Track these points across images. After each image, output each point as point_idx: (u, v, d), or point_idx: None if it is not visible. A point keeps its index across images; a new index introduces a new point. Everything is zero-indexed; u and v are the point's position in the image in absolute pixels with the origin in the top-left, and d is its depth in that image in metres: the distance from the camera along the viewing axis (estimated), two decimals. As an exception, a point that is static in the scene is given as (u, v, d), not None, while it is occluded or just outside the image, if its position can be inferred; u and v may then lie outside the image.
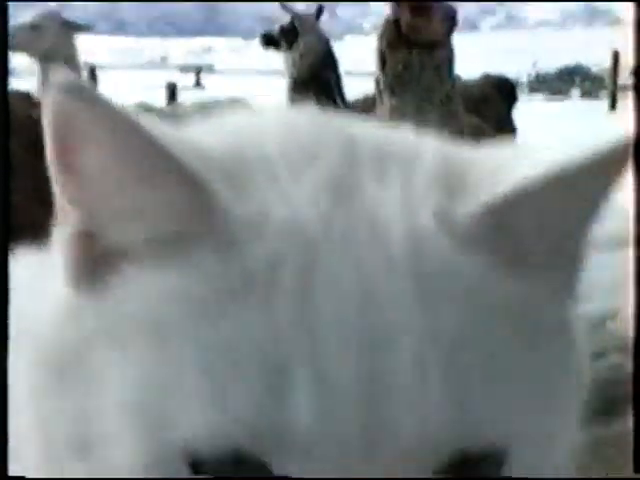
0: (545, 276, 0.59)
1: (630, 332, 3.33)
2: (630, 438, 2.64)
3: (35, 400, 0.58)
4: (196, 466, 0.53)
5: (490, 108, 4.52)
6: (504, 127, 4.17)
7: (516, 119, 5.16)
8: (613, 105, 10.98)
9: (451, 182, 0.57)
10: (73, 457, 0.56)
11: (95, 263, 0.58)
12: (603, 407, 2.74)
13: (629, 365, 3.25)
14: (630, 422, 2.76)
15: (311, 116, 0.63)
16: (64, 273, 0.59)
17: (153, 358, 0.54)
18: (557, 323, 0.61)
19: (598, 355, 3.24)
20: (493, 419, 0.55)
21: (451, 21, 3.75)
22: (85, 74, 11.14)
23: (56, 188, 0.57)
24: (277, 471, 0.52)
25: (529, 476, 0.58)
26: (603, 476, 2.31)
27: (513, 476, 0.56)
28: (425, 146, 0.60)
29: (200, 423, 0.52)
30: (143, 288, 0.56)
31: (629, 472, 2.45)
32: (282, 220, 0.55)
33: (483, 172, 0.58)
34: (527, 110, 7.91)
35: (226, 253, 0.55)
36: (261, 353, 0.52)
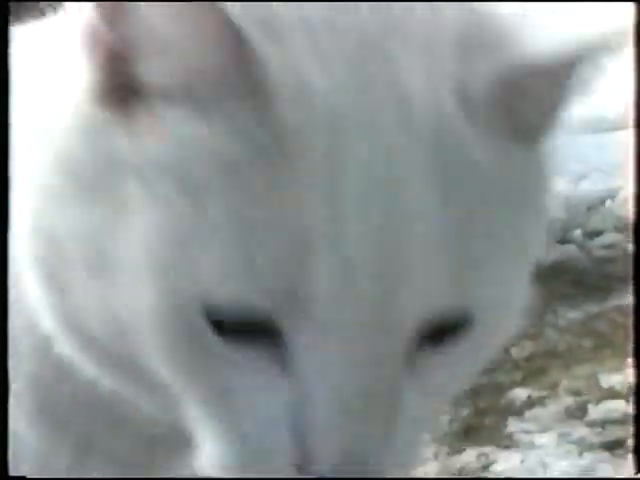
0: (536, 146, 0.60)
1: (627, 212, 3.35)
2: (622, 315, 2.69)
3: (44, 201, 0.58)
4: (211, 319, 0.54)
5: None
6: None
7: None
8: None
9: (471, 42, 0.57)
10: (84, 271, 0.57)
11: (127, 91, 0.56)
12: (598, 284, 2.78)
13: (626, 244, 3.30)
14: (623, 300, 2.81)
15: None
16: (89, 89, 0.57)
17: (183, 209, 0.54)
18: (539, 184, 0.62)
19: (596, 234, 3.28)
20: (479, 293, 0.57)
21: None
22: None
23: None
24: (289, 334, 0.54)
25: (490, 330, 0.60)
26: (591, 350, 2.36)
27: (478, 333, 0.59)
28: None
29: (223, 281, 0.53)
30: (178, 135, 0.55)
31: (618, 346, 2.51)
32: (319, 89, 0.54)
33: (501, 33, 0.57)
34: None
35: (261, 112, 0.53)
36: (288, 222, 0.53)
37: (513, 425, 1.99)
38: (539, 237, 0.62)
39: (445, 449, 1.92)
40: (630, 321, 2.49)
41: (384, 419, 0.56)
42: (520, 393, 2.09)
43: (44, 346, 0.63)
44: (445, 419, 2.00)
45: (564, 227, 3.23)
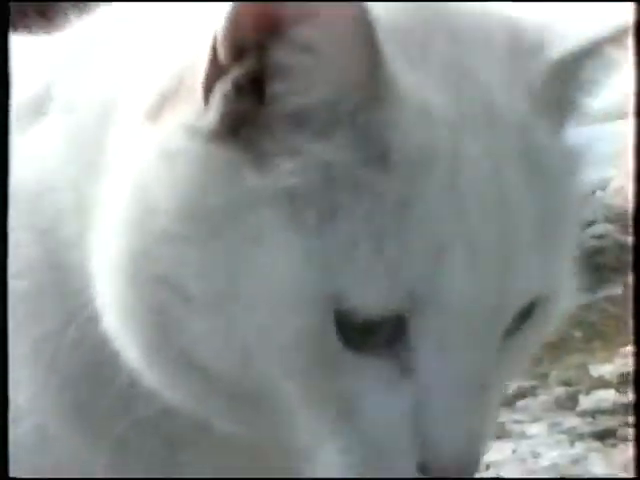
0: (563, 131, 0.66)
1: (619, 201, 3.35)
2: (614, 305, 2.70)
3: (161, 246, 0.59)
4: (342, 329, 0.58)
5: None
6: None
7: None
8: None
9: (518, 45, 0.63)
10: (207, 308, 0.59)
11: (249, 126, 0.58)
12: (589, 275, 2.78)
13: (616, 234, 3.30)
14: (614, 290, 2.83)
15: None
16: (208, 131, 0.59)
17: (321, 227, 0.57)
18: (571, 168, 0.67)
19: (587, 224, 3.28)
20: (557, 276, 0.64)
21: None
22: None
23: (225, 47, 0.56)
24: (415, 330, 0.58)
25: (556, 309, 0.66)
26: (581, 340, 2.37)
27: (547, 313, 0.65)
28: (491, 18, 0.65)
29: (363, 288, 0.57)
30: (309, 159, 0.58)
31: (609, 336, 2.52)
32: (436, 106, 0.58)
33: (537, 35, 0.63)
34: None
35: (390, 127, 0.57)
36: (421, 225, 0.57)
37: (504, 415, 1.99)
38: (577, 222, 0.68)
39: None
40: (620, 311, 2.51)
41: (485, 408, 0.62)
42: (511, 383, 2.09)
43: (92, 349, 0.64)
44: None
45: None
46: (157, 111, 0.61)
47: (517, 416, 2.00)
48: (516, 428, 1.96)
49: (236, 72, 0.57)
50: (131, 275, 0.60)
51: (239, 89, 0.57)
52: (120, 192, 0.61)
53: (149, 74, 0.63)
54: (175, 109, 0.60)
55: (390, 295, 0.57)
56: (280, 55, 0.56)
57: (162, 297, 0.60)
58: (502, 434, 1.95)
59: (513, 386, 2.11)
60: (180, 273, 0.59)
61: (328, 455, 0.61)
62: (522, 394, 2.07)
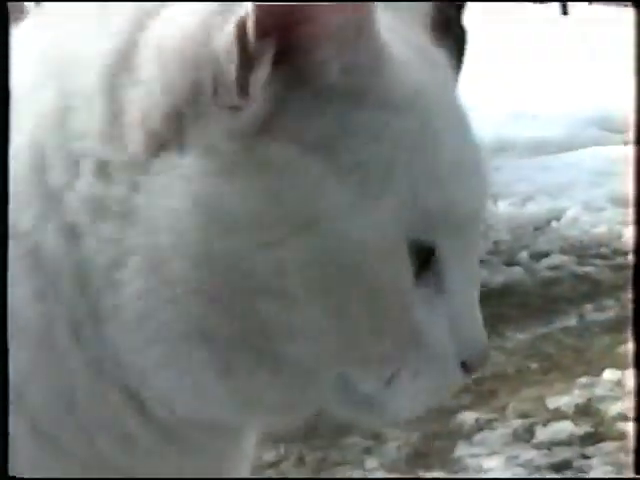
0: None
1: (573, 232, 3.36)
2: (568, 336, 2.71)
3: (258, 256, 0.62)
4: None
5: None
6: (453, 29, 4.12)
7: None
8: (564, 11, 10.95)
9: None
10: (309, 300, 0.63)
11: (300, 110, 0.62)
12: (545, 306, 2.81)
13: (571, 265, 3.33)
14: (569, 321, 2.84)
15: None
16: (259, 116, 0.61)
17: (390, 190, 0.64)
18: None
19: (542, 255, 3.31)
20: None
21: None
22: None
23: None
24: (442, 252, 0.67)
25: None
26: (538, 372, 2.38)
27: None
28: None
29: (430, 227, 0.66)
30: (360, 128, 0.64)
31: (566, 367, 2.53)
32: (414, 69, 0.67)
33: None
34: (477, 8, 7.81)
35: (388, 85, 0.65)
36: (445, 159, 0.66)
37: (462, 449, 1.99)
38: None
39: (395, 474, 1.92)
40: (576, 341, 2.53)
41: None
42: (468, 417, 2.09)
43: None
44: (394, 445, 1.99)
45: (510, 249, 3.26)
46: (177, 135, 0.61)
47: (474, 450, 1.99)
48: (473, 462, 1.95)
49: (270, 52, 0.60)
50: (214, 298, 0.62)
51: (276, 70, 0.60)
52: (172, 231, 0.61)
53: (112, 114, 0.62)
54: (204, 121, 0.61)
55: (440, 223, 0.66)
56: (323, 21, 0.60)
57: (257, 306, 0.62)
58: (459, 468, 1.94)
59: (470, 419, 2.10)
60: (278, 275, 0.62)
61: (399, 390, 0.68)
62: (479, 427, 2.06)
